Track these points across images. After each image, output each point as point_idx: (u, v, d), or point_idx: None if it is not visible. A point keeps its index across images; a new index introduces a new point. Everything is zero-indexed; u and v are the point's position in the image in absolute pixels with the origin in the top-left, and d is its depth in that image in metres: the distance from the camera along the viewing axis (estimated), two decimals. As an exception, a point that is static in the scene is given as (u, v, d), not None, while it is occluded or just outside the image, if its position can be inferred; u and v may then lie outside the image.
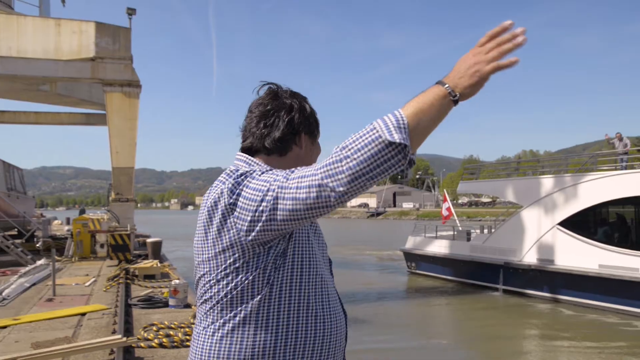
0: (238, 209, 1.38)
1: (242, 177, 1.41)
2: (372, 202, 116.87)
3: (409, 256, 21.60)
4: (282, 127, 1.57)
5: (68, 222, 32.92)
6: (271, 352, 1.42)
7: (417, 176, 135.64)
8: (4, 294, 9.06)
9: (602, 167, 16.89)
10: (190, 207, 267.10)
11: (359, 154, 1.22)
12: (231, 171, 1.50)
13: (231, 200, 1.40)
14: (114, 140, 16.04)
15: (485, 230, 20.52)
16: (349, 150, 1.24)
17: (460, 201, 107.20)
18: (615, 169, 15.89)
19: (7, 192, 18.52)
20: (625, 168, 15.74)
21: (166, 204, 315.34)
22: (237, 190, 1.40)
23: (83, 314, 7.47)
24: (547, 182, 16.23)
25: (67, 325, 6.80)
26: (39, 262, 12.77)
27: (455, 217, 22.04)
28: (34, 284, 10.33)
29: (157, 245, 14.41)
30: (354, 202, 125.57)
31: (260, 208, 1.33)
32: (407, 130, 1.22)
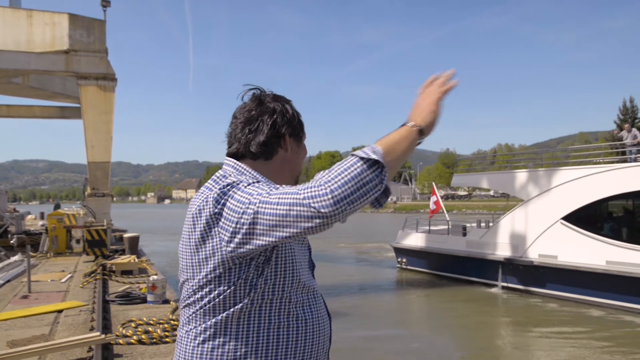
0: (222, 220, 1.39)
1: (229, 187, 1.42)
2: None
3: (400, 251, 20.80)
4: (266, 130, 1.59)
5: (42, 217, 32.38)
6: (253, 357, 1.44)
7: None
8: (-23, 291, 8.92)
9: (607, 159, 16.25)
10: (167, 201, 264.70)
11: (340, 177, 1.27)
12: (218, 177, 1.51)
13: (216, 210, 1.41)
14: (89, 135, 15.83)
15: (483, 225, 19.50)
16: (331, 174, 1.29)
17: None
18: (625, 162, 15.24)
19: (-22, 187, 18.16)
20: (635, 160, 15.11)
21: (143, 197, 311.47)
22: (223, 200, 1.40)
23: (60, 311, 7.41)
24: (551, 174, 15.52)
25: (43, 323, 6.74)
26: (13, 259, 12.57)
27: (445, 211, 21.40)
28: (8, 281, 10.18)
29: (134, 241, 14.29)
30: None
31: (242, 221, 1.34)
32: (382, 155, 1.30)
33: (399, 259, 20.83)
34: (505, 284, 15.88)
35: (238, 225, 1.35)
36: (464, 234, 18.45)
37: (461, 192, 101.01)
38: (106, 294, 8.60)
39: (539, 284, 15.13)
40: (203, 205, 1.44)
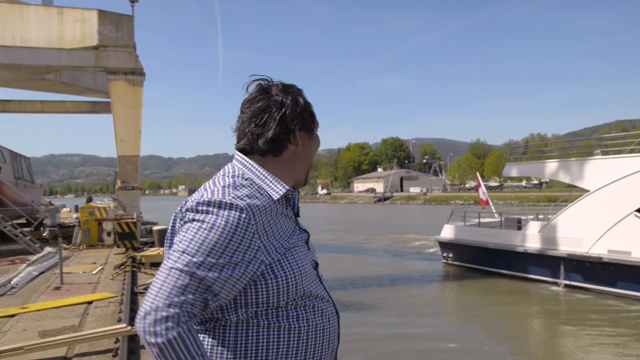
0: (174, 244, 1.41)
1: (191, 213, 1.41)
2: (379, 187, 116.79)
3: (446, 246, 19.68)
4: (274, 126, 1.52)
5: (76, 210, 33.15)
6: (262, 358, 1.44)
7: (424, 160, 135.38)
8: (12, 282, 9.18)
9: None
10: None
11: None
12: (210, 185, 1.49)
13: (173, 232, 1.48)
14: (118, 129, 16.09)
15: (541, 217, 18.22)
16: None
17: (467, 185, 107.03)
18: None
19: (14, 181, 18.65)
20: None
21: (174, 190, 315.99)
22: (178, 225, 1.44)
23: (90, 302, 7.57)
24: (623, 163, 14.18)
25: (73, 314, 6.90)
26: (47, 251, 12.90)
27: (491, 203, 20.22)
28: (42, 273, 10.45)
29: (163, 233, 14.50)
30: (361, 187, 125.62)
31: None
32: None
33: (445, 254, 19.84)
34: (567, 282, 14.85)
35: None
36: (519, 228, 17.11)
37: (492, 183, 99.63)
38: (135, 286, 8.75)
39: (608, 282, 13.97)
40: (176, 216, 1.48)
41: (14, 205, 16.50)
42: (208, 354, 1.42)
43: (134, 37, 16.53)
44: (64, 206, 37.59)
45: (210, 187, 1.45)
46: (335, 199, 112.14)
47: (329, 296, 1.62)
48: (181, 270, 1.34)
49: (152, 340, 1.29)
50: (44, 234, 15.16)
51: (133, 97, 16.08)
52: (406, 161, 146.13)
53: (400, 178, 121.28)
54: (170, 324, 1.29)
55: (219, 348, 1.44)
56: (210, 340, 1.46)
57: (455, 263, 19.21)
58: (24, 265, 10.94)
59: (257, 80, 1.60)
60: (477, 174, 24.50)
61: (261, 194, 1.48)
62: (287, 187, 1.52)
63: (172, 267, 1.35)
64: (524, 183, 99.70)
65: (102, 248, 14.53)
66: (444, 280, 17.96)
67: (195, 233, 1.36)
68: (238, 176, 1.51)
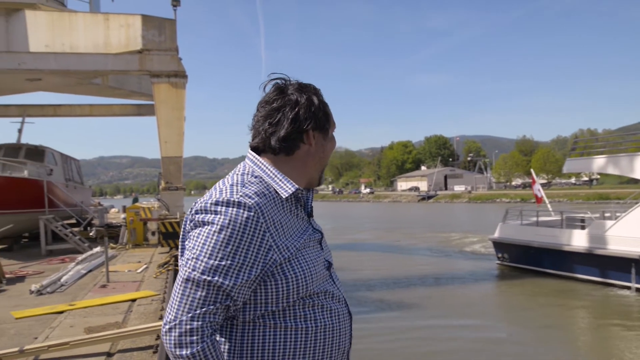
0: (186, 250, 1.46)
1: (200, 214, 1.43)
2: (423, 185, 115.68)
3: (501, 246, 18.88)
4: (287, 125, 1.52)
5: (124, 211, 34.12)
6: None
7: (469, 158, 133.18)
8: (62, 280, 9.54)
9: None
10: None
11: None
12: (224, 184, 1.51)
13: (184, 235, 1.50)
14: (162, 130, 16.48)
15: (607, 215, 17.37)
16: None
17: (513, 183, 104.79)
18: None
19: (65, 183, 19.35)
20: None
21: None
22: (189, 227, 1.48)
23: (133, 300, 7.80)
24: None
25: (118, 311, 7.12)
26: (95, 250, 13.33)
27: (547, 201, 19.41)
28: (90, 271, 10.81)
29: (206, 232, 14.77)
30: (404, 185, 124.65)
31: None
32: None
33: (500, 255, 19.04)
34: (639, 286, 14.07)
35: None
36: (583, 227, 16.24)
37: (541, 180, 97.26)
38: (177, 284, 8.95)
39: None
40: (186, 218, 1.50)
41: (64, 206, 17.12)
42: None
43: (177, 40, 16.89)
44: (112, 207, 38.72)
45: (219, 187, 1.48)
46: (379, 197, 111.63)
47: (342, 296, 1.62)
48: (199, 281, 1.37)
49: (178, 352, 1.33)
50: (90, 234, 15.66)
51: (176, 99, 16.44)
52: (450, 159, 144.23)
53: (444, 176, 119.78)
54: (195, 337, 1.34)
55: (226, 346, 1.47)
56: (218, 339, 1.47)
57: (511, 264, 18.41)
58: (73, 263, 11.35)
59: (275, 79, 1.60)
60: (532, 170, 23.73)
61: (270, 192, 1.49)
62: (296, 186, 1.53)
63: (188, 279, 1.38)
64: (573, 180, 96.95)
65: (147, 247, 14.92)
66: (495, 280, 17.56)
67: (207, 237, 1.38)
68: (247, 174, 1.53)
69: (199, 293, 1.36)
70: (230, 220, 1.38)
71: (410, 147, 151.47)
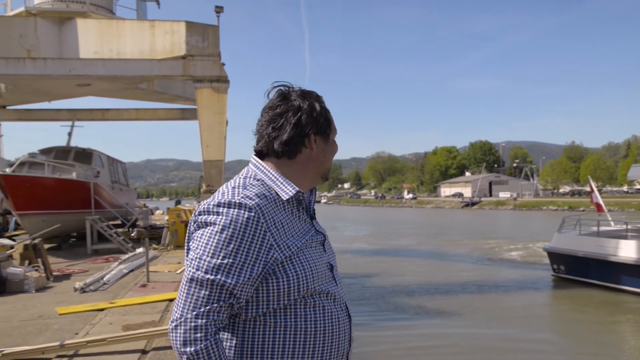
0: (190, 251, 1.52)
1: (202, 216, 1.49)
2: (467, 192, 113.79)
3: (557, 257, 17.77)
4: (289, 129, 1.58)
5: (168, 212, 34.85)
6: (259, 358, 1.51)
7: (515, 164, 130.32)
8: (104, 279, 9.88)
9: None
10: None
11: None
12: (227, 187, 1.57)
13: (189, 236, 1.55)
14: (204, 134, 16.83)
15: None
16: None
17: (561, 190, 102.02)
18: None
19: (111, 185, 20.01)
20: None
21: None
22: (193, 229, 1.53)
23: (171, 300, 8.00)
24: None
25: (155, 310, 7.34)
26: (138, 250, 13.73)
27: (605, 210, 18.27)
28: (131, 271, 11.15)
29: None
30: (448, 191, 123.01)
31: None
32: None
33: (555, 266, 17.96)
34: None
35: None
36: None
37: (588, 188, 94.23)
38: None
39: None
40: (191, 218, 1.56)
41: (109, 207, 17.70)
42: None
43: (219, 46, 17.24)
44: (157, 208, 39.66)
45: (222, 190, 1.55)
46: (421, 203, 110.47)
47: (343, 298, 1.66)
48: (202, 280, 1.42)
49: (183, 349, 1.40)
50: (132, 235, 16.13)
51: (218, 104, 16.77)
52: (495, 165, 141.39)
53: (489, 182, 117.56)
54: (199, 334, 1.39)
55: (228, 343, 1.52)
56: (221, 336, 1.52)
57: (568, 276, 17.28)
58: (116, 263, 11.73)
59: (278, 86, 1.67)
60: (589, 177, 22.41)
61: (271, 194, 1.54)
62: (297, 188, 1.58)
63: (192, 279, 1.44)
64: (625, 188, 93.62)
65: (188, 249, 15.24)
66: (546, 291, 16.92)
67: (209, 237, 1.44)
68: (250, 177, 1.60)
69: (202, 292, 1.42)
70: (231, 221, 1.43)
71: (455, 153, 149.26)
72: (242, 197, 1.48)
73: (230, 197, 1.48)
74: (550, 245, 18.24)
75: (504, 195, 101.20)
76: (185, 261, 1.54)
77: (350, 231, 43.39)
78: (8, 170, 14.95)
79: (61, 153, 18.40)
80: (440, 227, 46.40)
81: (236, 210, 1.45)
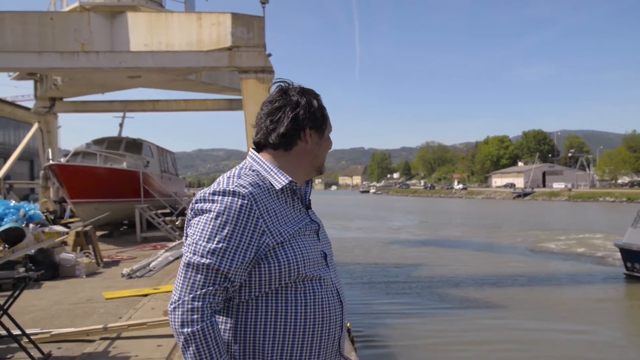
0: (187, 237, 1.58)
1: (199, 204, 1.57)
2: (519, 182, 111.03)
3: (632, 255, 16.46)
4: (287, 123, 1.66)
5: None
6: (251, 343, 1.57)
7: (570, 154, 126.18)
8: (151, 265, 10.16)
9: None
10: (333, 187, 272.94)
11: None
12: (224, 177, 1.64)
13: (187, 223, 1.62)
14: (249, 125, 17.00)
15: None
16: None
17: (620, 181, 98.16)
18: None
19: (160, 174, 20.51)
20: None
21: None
22: (190, 216, 1.60)
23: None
24: None
25: (197, 296, 7.52)
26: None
27: None
28: (177, 258, 11.39)
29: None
30: (499, 182, 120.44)
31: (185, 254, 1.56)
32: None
33: (629, 264, 16.69)
34: None
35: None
36: None
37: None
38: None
39: None
40: (189, 207, 1.63)
41: (158, 196, 18.14)
42: None
43: (265, 37, 17.35)
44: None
45: (219, 179, 1.63)
46: (472, 194, 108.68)
47: (335, 285, 1.70)
48: (198, 264, 1.49)
49: (180, 330, 1.47)
50: (176, 222, 16.51)
51: (262, 95, 16.89)
52: (550, 155, 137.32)
53: (542, 173, 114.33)
54: (196, 316, 1.47)
55: (222, 326, 1.59)
56: (217, 319, 1.58)
57: None
58: (163, 250, 12.03)
59: (278, 82, 1.75)
60: None
61: (265, 184, 1.62)
62: (289, 178, 1.64)
63: (189, 263, 1.51)
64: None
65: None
66: (611, 286, 16.04)
67: (205, 223, 1.52)
68: (245, 167, 1.68)
69: (199, 276, 1.49)
70: (225, 207, 1.51)
71: (507, 142, 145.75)
72: (236, 186, 1.55)
73: (225, 186, 1.56)
74: (624, 241, 16.75)
75: (557, 186, 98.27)
76: (183, 247, 1.60)
77: (398, 221, 43.22)
78: (63, 160, 15.52)
79: (113, 143, 18.98)
80: (490, 218, 45.60)
81: (230, 197, 1.53)
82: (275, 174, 1.65)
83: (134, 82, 20.93)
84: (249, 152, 1.75)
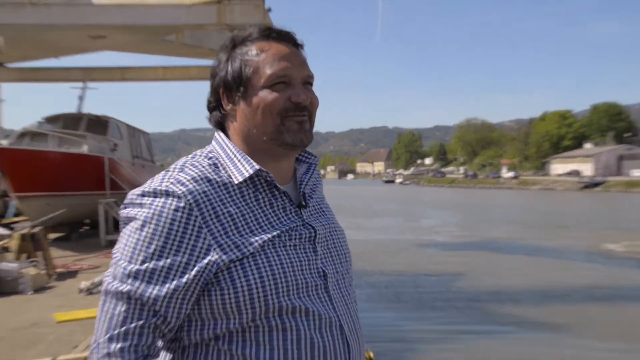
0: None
1: (124, 210, 1.46)
2: (587, 169, 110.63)
3: None
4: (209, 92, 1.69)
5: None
6: None
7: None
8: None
9: None
10: (349, 176, 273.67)
11: None
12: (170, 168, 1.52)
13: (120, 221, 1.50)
14: (244, 98, 16.84)
15: None
16: None
17: None
18: None
19: (131, 160, 20.41)
20: None
21: (322, 171, 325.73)
22: (122, 222, 1.47)
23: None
24: None
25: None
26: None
27: None
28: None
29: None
30: (560, 168, 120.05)
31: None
32: None
33: None
34: None
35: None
36: None
37: None
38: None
39: None
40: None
41: (129, 188, 17.98)
42: None
43: (263, -14, 17.10)
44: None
45: (158, 174, 1.52)
46: (525, 184, 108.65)
47: (336, 319, 1.51)
48: (116, 292, 1.37)
49: None
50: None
51: (260, 59, 16.69)
52: (627, 134, 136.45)
53: (617, 157, 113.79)
54: None
55: None
56: None
57: None
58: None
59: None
60: None
61: (220, 177, 1.48)
62: (257, 167, 1.48)
63: (107, 291, 1.39)
64: None
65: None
66: None
67: (128, 237, 1.40)
68: (201, 155, 1.55)
69: (118, 308, 1.37)
70: (154, 214, 1.38)
71: (571, 119, 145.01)
72: (170, 183, 1.42)
73: (157, 184, 1.43)
74: None
75: (637, 173, 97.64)
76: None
77: (431, 219, 43.16)
78: (5, 143, 15.41)
79: (70, 121, 18.86)
80: (550, 215, 45.51)
81: (162, 199, 1.40)
82: (239, 161, 1.51)
83: (97, 43, 20.74)
84: (215, 133, 1.63)
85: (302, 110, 1.53)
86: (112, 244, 14.87)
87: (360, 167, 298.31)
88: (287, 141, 1.52)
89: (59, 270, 11.10)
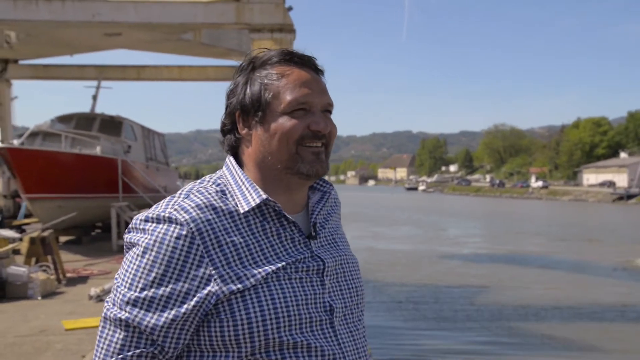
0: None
1: (128, 234, 1.48)
2: (622, 180, 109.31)
3: None
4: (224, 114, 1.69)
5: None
6: None
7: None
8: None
9: None
10: (371, 182, 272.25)
11: None
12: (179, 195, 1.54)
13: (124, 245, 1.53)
14: (262, 99, 16.87)
15: None
16: None
17: None
18: None
19: (145, 163, 20.52)
20: None
21: (342, 177, 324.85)
22: (125, 247, 1.50)
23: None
24: None
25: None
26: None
27: None
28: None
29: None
30: (593, 178, 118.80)
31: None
32: None
33: None
34: None
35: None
36: None
37: None
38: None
39: None
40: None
41: (142, 191, 18.10)
42: None
43: (283, -15, 17.13)
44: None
45: (165, 199, 1.54)
46: (555, 194, 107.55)
47: (343, 355, 1.51)
48: (115, 319, 1.40)
49: None
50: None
51: (280, 60, 16.71)
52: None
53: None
54: None
55: None
56: None
57: None
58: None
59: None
60: None
61: (226, 206, 1.49)
62: (264, 196, 1.49)
63: (106, 317, 1.43)
64: None
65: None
66: None
67: (129, 263, 1.43)
68: (209, 181, 1.57)
69: (116, 335, 1.41)
70: (156, 241, 1.40)
71: (606, 126, 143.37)
72: (174, 210, 1.44)
73: (161, 210, 1.45)
74: None
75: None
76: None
77: (455, 229, 43.01)
78: (16, 143, 15.52)
79: (83, 121, 19.00)
80: (581, 227, 44.98)
81: (164, 226, 1.42)
82: (247, 189, 1.51)
83: (112, 41, 20.93)
84: (227, 159, 1.64)
85: (320, 139, 1.53)
86: (123, 248, 15.03)
87: (382, 173, 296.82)
88: (302, 171, 1.52)
89: (69, 275, 11.19)
